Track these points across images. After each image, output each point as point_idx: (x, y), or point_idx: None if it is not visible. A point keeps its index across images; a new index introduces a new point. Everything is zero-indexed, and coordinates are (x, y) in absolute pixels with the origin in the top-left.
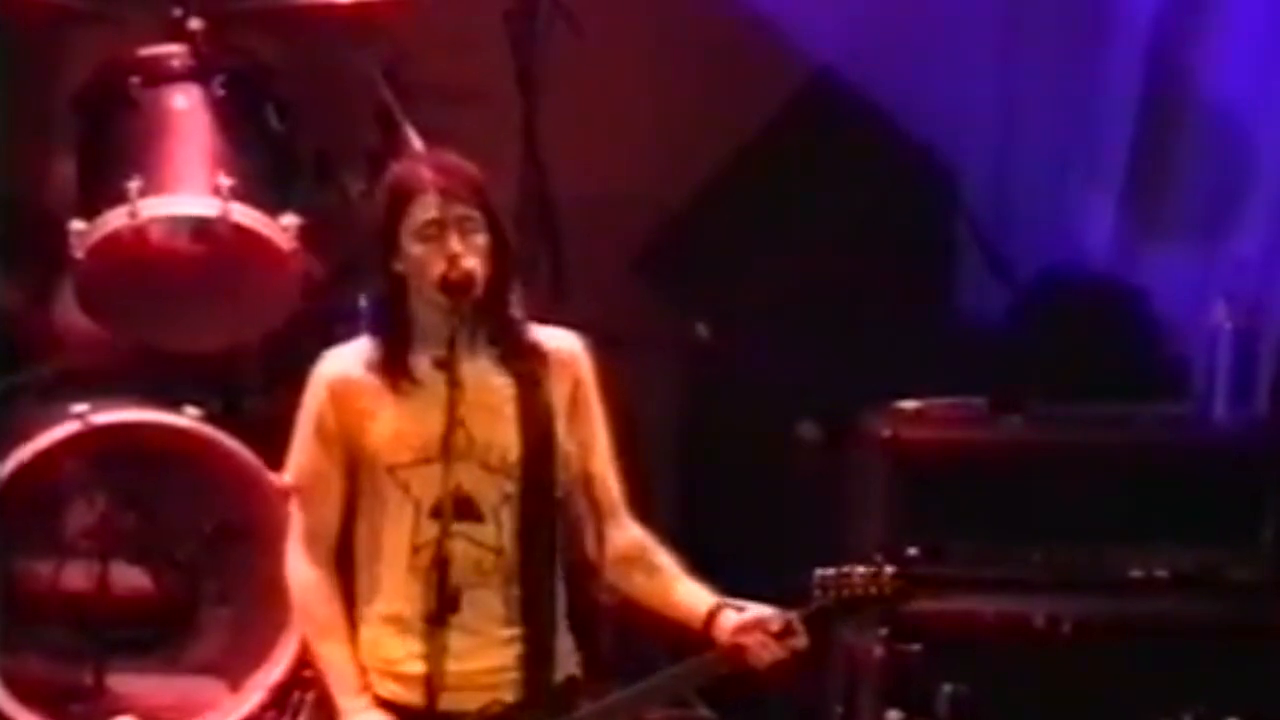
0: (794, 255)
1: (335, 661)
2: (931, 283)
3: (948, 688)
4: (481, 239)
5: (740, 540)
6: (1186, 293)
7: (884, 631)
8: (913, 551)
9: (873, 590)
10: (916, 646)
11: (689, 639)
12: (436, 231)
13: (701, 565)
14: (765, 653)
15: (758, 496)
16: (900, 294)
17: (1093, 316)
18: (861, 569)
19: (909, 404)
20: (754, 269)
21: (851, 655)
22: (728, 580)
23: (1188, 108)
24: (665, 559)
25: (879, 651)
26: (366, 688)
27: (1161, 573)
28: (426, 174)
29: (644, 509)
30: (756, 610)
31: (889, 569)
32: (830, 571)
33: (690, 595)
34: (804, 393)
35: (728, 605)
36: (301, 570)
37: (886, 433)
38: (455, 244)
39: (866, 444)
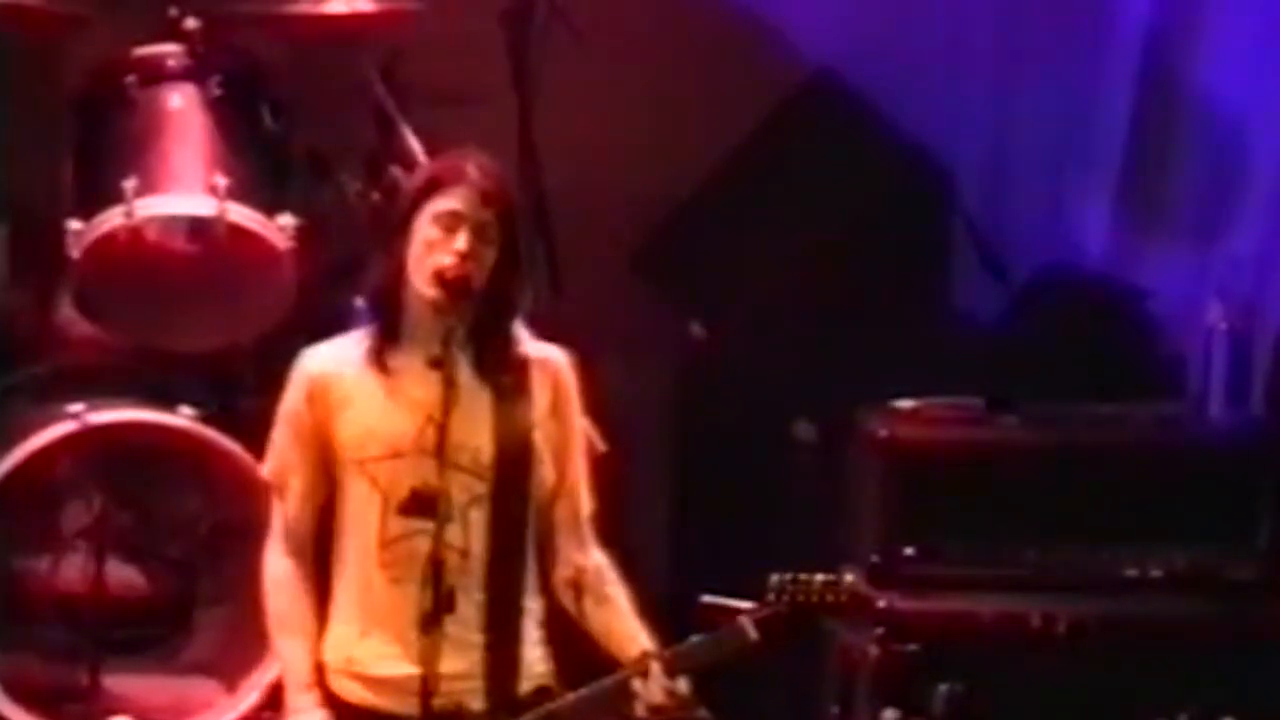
0: (789, 255)
1: (289, 657)
2: (927, 283)
3: (943, 687)
4: (491, 252)
5: (735, 540)
6: (1182, 293)
7: (880, 631)
8: (909, 551)
9: (828, 598)
10: (912, 646)
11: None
12: (454, 224)
13: (696, 565)
14: (645, 694)
15: (753, 496)
16: (896, 294)
17: (1088, 316)
18: (820, 576)
19: (905, 404)
20: (749, 268)
21: (847, 655)
22: (722, 580)
23: (1182, 108)
24: (617, 591)
25: (875, 651)
26: (316, 685)
27: (1157, 572)
28: (468, 169)
29: (634, 510)
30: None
31: (848, 577)
32: (787, 577)
33: (628, 637)
34: (799, 392)
35: (655, 656)
36: (272, 562)
37: (882, 433)
38: (465, 243)
39: (862, 444)
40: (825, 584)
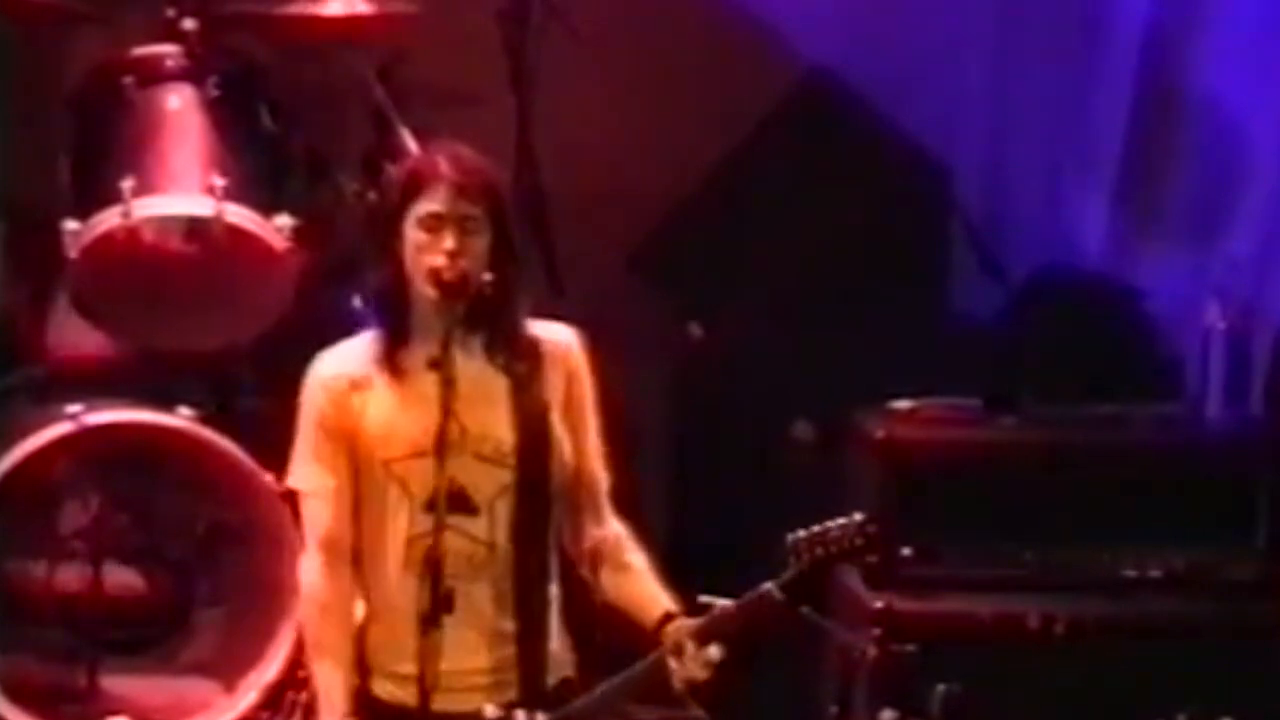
0: (787, 255)
1: (325, 683)
2: (925, 282)
3: (941, 688)
4: (481, 242)
5: (733, 540)
6: (1180, 292)
7: (878, 632)
8: (906, 552)
9: (845, 544)
10: (910, 647)
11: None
12: (437, 225)
13: (694, 565)
14: (680, 670)
15: (751, 496)
16: (894, 294)
17: (1087, 316)
18: (835, 523)
19: (903, 404)
20: (748, 268)
21: (845, 655)
22: (720, 579)
23: (1181, 107)
24: (636, 558)
25: (873, 652)
26: (352, 714)
27: (1155, 573)
28: (442, 166)
29: (634, 508)
30: (719, 607)
31: (857, 516)
32: (801, 534)
33: (649, 599)
34: (798, 392)
35: (678, 616)
36: (312, 581)
37: (881, 433)
38: (451, 241)
39: (861, 444)
40: (841, 529)
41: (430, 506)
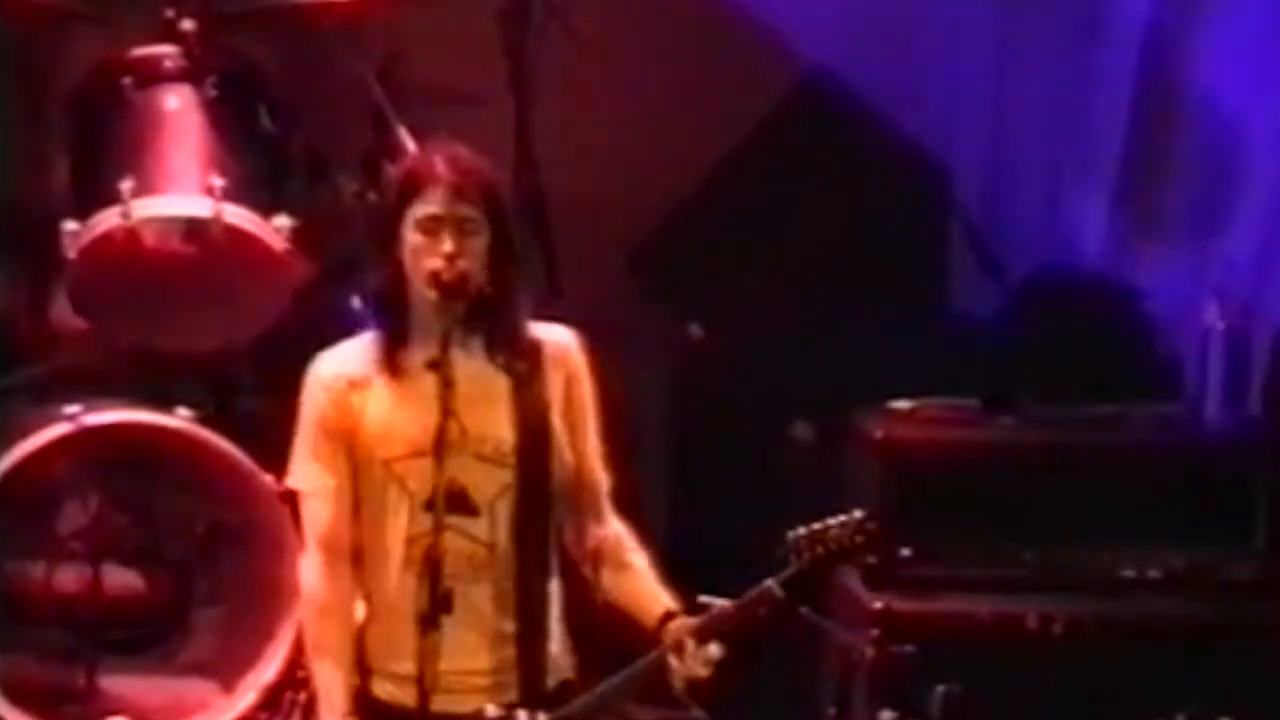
0: (787, 255)
1: (325, 683)
2: (924, 283)
3: (940, 688)
4: (480, 242)
5: (733, 540)
6: (1179, 293)
7: (876, 632)
8: (906, 552)
9: (845, 542)
10: (909, 647)
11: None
12: (435, 227)
13: (693, 565)
14: (681, 669)
15: (750, 497)
16: (893, 294)
17: (1086, 317)
18: (835, 520)
19: (902, 404)
20: (747, 269)
21: (844, 656)
22: (720, 579)
23: (1180, 108)
24: (637, 558)
25: (871, 652)
26: (352, 714)
27: (1154, 573)
28: (439, 168)
29: (635, 509)
30: (719, 605)
31: (857, 513)
32: (801, 531)
33: (649, 598)
34: (797, 393)
35: (679, 614)
36: (312, 580)
37: (879, 433)
38: (449, 244)
39: (860, 444)
40: (841, 527)
41: (430, 506)
